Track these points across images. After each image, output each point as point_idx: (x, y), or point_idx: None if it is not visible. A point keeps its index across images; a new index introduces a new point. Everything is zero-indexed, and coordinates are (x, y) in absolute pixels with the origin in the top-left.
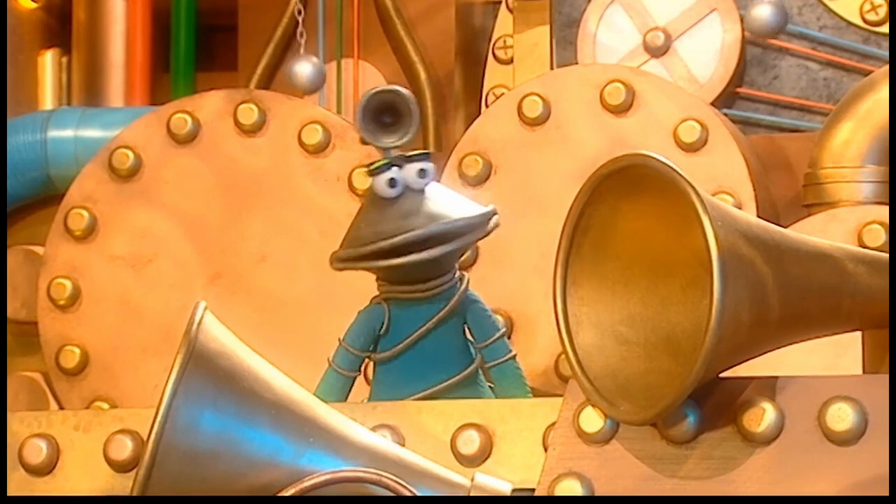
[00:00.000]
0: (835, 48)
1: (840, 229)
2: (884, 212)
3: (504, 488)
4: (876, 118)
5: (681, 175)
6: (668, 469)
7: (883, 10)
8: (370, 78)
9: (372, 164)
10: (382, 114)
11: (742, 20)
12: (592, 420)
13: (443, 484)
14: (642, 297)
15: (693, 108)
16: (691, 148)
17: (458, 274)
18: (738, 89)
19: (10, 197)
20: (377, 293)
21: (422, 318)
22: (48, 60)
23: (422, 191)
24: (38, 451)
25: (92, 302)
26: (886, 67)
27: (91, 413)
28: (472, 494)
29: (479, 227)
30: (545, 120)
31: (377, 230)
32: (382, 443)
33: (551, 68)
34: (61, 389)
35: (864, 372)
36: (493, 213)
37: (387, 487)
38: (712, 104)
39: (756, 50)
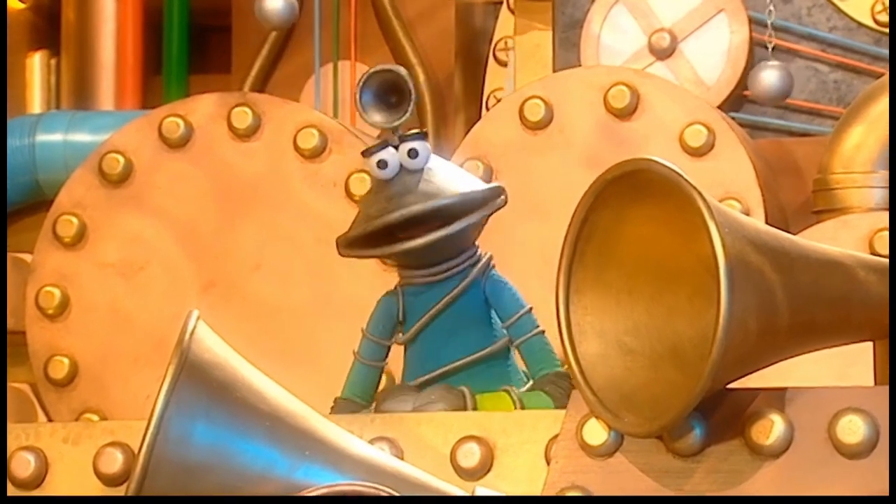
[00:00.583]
0: (845, 50)
1: (851, 236)
2: None
3: None
4: (888, 122)
5: (687, 180)
6: (674, 483)
7: None
8: None
9: (367, 146)
10: (386, 94)
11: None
12: (596, 432)
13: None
14: (647, 305)
15: (699, 112)
16: (698, 152)
17: (477, 253)
18: (746, 92)
19: None
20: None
21: (434, 300)
22: (36, 62)
23: (419, 170)
24: (25, 465)
25: (81, 311)
26: None
27: (80, 425)
28: None
29: (479, 203)
30: (547, 123)
31: (368, 213)
32: (381, 456)
33: (554, 70)
34: (50, 401)
35: (875, 383)
36: (500, 189)
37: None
38: (719, 107)
39: (765, 52)
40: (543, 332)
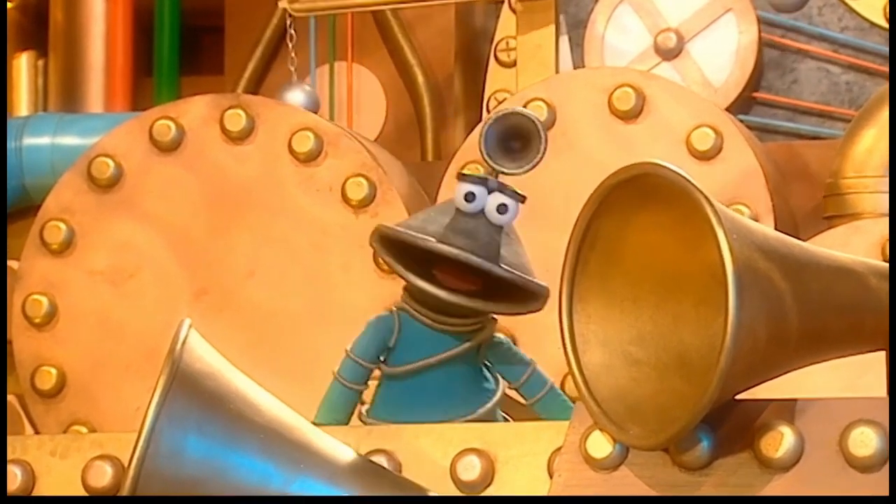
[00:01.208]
0: (857, 50)
1: (863, 242)
2: None
3: None
4: None
5: (693, 185)
6: (681, 497)
7: None
8: (365, 82)
9: (465, 171)
10: (510, 139)
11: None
12: (600, 445)
13: None
14: (653, 314)
15: (707, 114)
16: (705, 156)
17: (486, 318)
18: (755, 94)
19: None
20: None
21: (433, 346)
22: (23, 63)
23: (497, 227)
24: (12, 478)
25: (70, 319)
26: None
27: (68, 438)
28: None
29: (527, 294)
30: (550, 126)
31: (425, 228)
32: (378, 469)
33: (556, 72)
34: (37, 412)
35: (888, 393)
36: (545, 294)
37: None
38: (727, 110)
39: (774, 52)
40: (553, 385)
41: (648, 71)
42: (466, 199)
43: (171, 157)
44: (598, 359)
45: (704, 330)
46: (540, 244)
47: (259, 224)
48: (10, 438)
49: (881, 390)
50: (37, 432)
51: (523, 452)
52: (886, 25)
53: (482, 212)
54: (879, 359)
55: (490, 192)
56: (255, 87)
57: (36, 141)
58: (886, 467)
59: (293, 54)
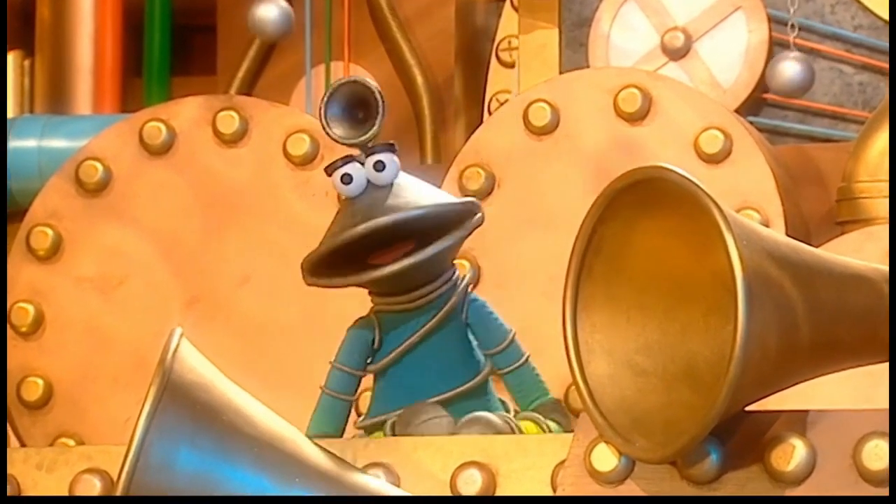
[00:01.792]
0: (871, 50)
1: (877, 249)
2: None
3: None
4: None
5: (702, 189)
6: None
7: None
8: None
9: (330, 163)
10: (354, 108)
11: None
12: (605, 458)
13: None
14: (659, 323)
15: (715, 116)
16: (713, 159)
17: (455, 276)
18: (765, 95)
19: None
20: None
21: (411, 330)
22: (9, 63)
23: (387, 186)
24: None
25: (57, 328)
26: None
27: (55, 451)
28: None
29: (452, 220)
30: (553, 128)
31: (332, 230)
32: (376, 484)
33: (560, 72)
34: (23, 425)
35: (889, 396)
36: (476, 205)
37: None
38: (736, 111)
39: (785, 52)
40: (529, 357)
41: (655, 71)
42: (344, 182)
43: (162, 161)
44: (602, 369)
45: (713, 339)
46: (543, 250)
47: (253, 230)
48: None
49: None
50: (22, 445)
51: (526, 466)
52: None
53: (368, 183)
54: None
55: (361, 162)
56: (248, 88)
57: (22, 143)
58: None
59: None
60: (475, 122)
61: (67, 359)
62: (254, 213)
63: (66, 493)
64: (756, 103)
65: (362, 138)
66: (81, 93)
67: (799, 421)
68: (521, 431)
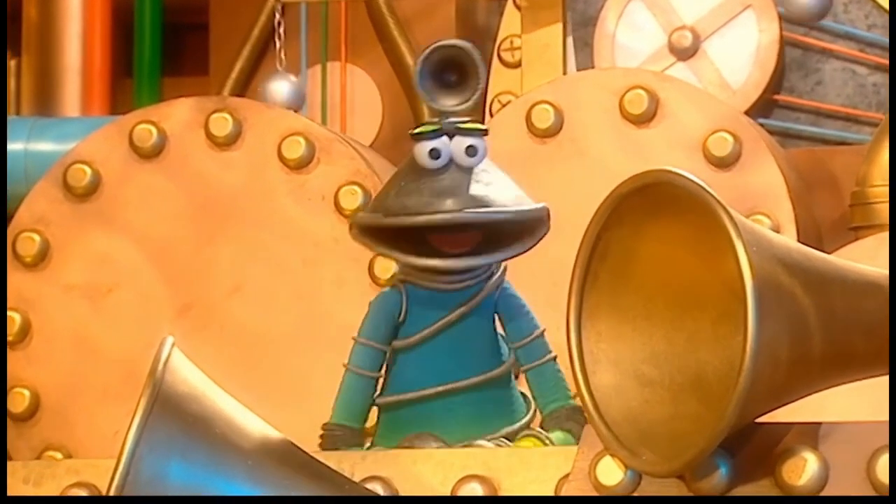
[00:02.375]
0: (885, 50)
1: None
2: None
3: None
4: None
5: (710, 194)
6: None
7: None
8: (359, 83)
9: (417, 126)
10: (446, 71)
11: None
12: (611, 471)
13: None
14: (667, 332)
15: (725, 119)
16: (723, 163)
17: (493, 265)
18: (776, 96)
19: None
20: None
21: (444, 307)
22: None
23: (469, 169)
24: None
25: (44, 338)
26: None
27: (42, 464)
28: None
29: (529, 224)
30: (557, 131)
31: (405, 203)
32: (374, 498)
33: (564, 73)
34: (9, 437)
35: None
36: (548, 213)
37: None
38: (746, 113)
39: (796, 52)
40: (555, 357)
41: (662, 72)
42: (432, 157)
43: (153, 164)
44: (608, 380)
45: (722, 349)
46: (547, 256)
47: (246, 236)
48: None
49: None
50: (9, 458)
51: (529, 479)
52: None
53: (451, 161)
54: None
55: (451, 138)
56: (241, 89)
57: (8, 147)
58: None
59: (282, 53)
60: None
61: (55, 369)
62: (247, 219)
63: None
64: (767, 105)
65: (459, 108)
66: (69, 94)
67: (811, 433)
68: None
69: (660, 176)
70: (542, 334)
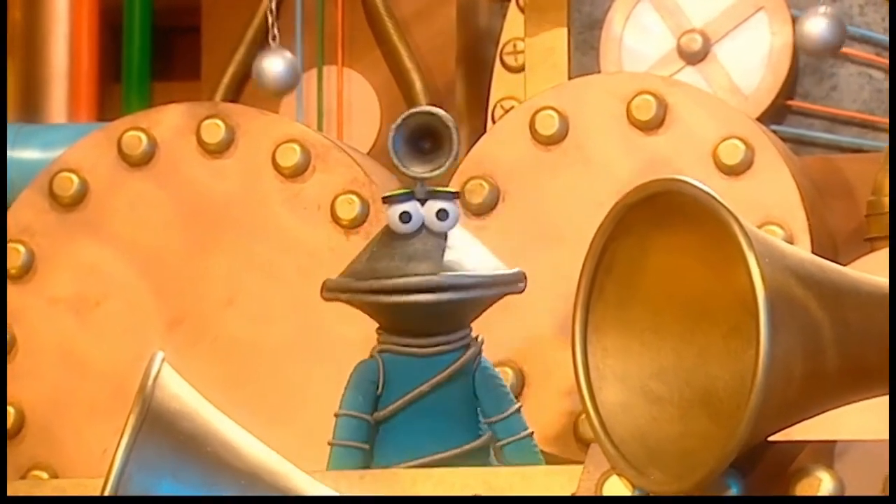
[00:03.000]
0: None
1: None
2: None
3: None
4: None
5: (721, 203)
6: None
7: None
8: (356, 88)
9: (389, 193)
10: (421, 138)
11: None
12: (618, 491)
13: None
14: (676, 346)
15: (736, 125)
16: (734, 171)
17: (470, 336)
18: (790, 102)
19: None
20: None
21: (419, 376)
22: None
23: (441, 235)
24: None
25: (29, 352)
26: None
27: (28, 484)
28: None
29: (495, 286)
30: (562, 138)
31: (374, 266)
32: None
33: (569, 77)
34: None
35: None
36: (522, 276)
37: None
38: (758, 119)
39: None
40: (532, 433)
41: (671, 77)
42: (403, 220)
43: (142, 173)
44: (615, 396)
45: (733, 364)
46: (551, 268)
47: (239, 246)
48: None
49: None
50: None
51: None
52: None
53: (422, 225)
54: None
55: (423, 203)
56: (234, 95)
57: None
58: None
59: (274, 28)
60: (478, 131)
61: (40, 385)
62: (241, 229)
63: None
64: (779, 111)
65: (434, 174)
66: (56, 100)
67: (826, 452)
68: None
69: (668, 185)
70: (518, 410)
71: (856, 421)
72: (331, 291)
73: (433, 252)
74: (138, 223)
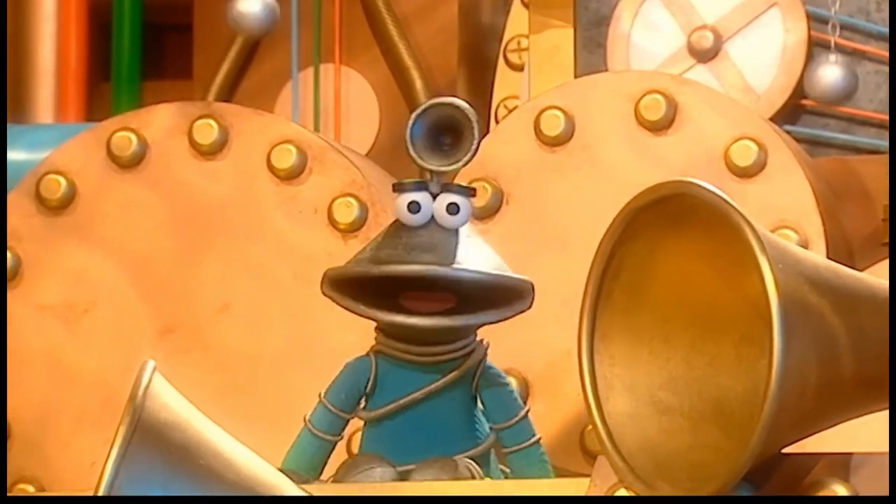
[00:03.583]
0: None
1: None
2: None
3: None
4: None
5: (733, 207)
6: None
7: None
8: (354, 87)
9: (401, 181)
10: (441, 132)
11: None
12: None
13: None
14: (686, 355)
15: (748, 125)
16: (746, 173)
17: (472, 343)
18: (804, 101)
19: None
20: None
21: (414, 383)
22: None
23: (452, 231)
24: None
25: (15, 361)
26: None
27: (13, 498)
28: None
29: (511, 292)
30: (568, 139)
31: (377, 255)
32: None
33: (575, 76)
34: None
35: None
36: (531, 287)
37: None
38: (772, 120)
39: (825, 55)
40: (540, 440)
41: (681, 75)
42: (411, 210)
43: (132, 175)
44: (623, 407)
45: (745, 374)
46: (556, 274)
47: (233, 251)
48: None
49: None
50: None
51: None
52: None
53: (432, 219)
54: None
55: (434, 195)
56: (227, 94)
57: None
58: None
59: None
60: (481, 132)
61: (27, 395)
62: (235, 233)
63: None
64: (794, 111)
65: (451, 167)
66: (42, 99)
67: (841, 465)
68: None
69: (678, 187)
70: (525, 415)
71: (873, 432)
72: (330, 283)
73: (438, 245)
74: (128, 227)
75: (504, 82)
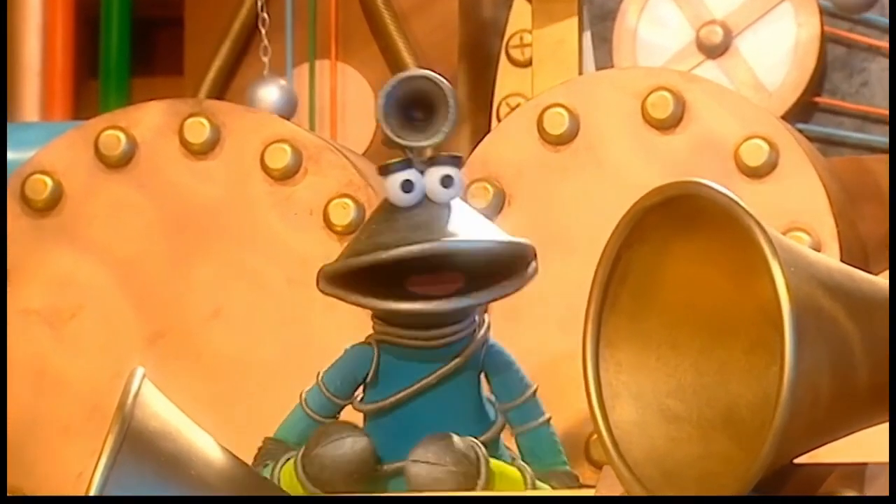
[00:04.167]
0: None
1: None
2: None
3: None
4: None
5: (743, 208)
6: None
7: None
8: (352, 84)
9: (385, 163)
10: (412, 107)
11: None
12: None
13: None
14: (695, 362)
15: (759, 124)
16: (757, 173)
17: (476, 320)
18: (817, 99)
19: None
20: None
21: (423, 368)
22: None
23: (446, 205)
24: None
25: None
26: None
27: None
28: None
29: (517, 262)
30: (572, 138)
31: (377, 241)
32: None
33: (580, 73)
34: None
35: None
36: (532, 250)
37: None
38: (783, 118)
39: (839, 49)
40: (550, 419)
41: (689, 72)
42: (405, 190)
43: (121, 175)
44: (629, 415)
45: (756, 381)
46: (560, 278)
47: (225, 254)
48: None
49: None
50: None
51: None
52: None
53: (425, 197)
54: None
55: (423, 171)
56: (220, 91)
57: None
58: None
59: (266, 42)
60: (482, 130)
61: (12, 403)
62: (227, 235)
63: None
64: (806, 108)
65: (426, 143)
66: (28, 97)
67: (856, 475)
68: (487, 468)
69: (686, 188)
70: (534, 394)
71: (888, 442)
72: (326, 281)
73: (438, 221)
74: (117, 229)
75: (506, 79)
